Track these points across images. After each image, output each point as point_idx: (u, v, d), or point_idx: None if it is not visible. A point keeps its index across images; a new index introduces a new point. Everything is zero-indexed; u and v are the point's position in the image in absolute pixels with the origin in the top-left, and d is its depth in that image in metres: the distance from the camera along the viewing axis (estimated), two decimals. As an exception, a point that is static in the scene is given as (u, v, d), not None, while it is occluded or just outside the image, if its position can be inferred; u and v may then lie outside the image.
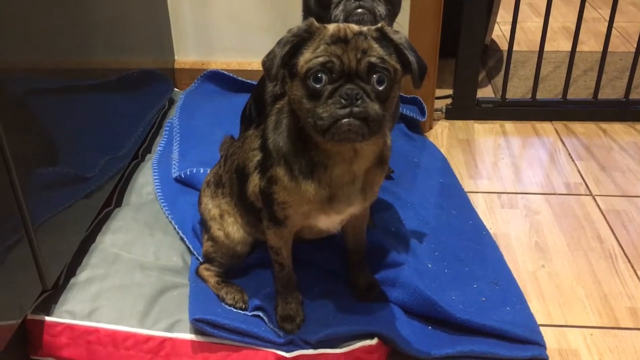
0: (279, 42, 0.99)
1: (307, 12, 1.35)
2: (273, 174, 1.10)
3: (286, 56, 0.98)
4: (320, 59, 0.95)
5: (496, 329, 1.26)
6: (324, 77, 0.96)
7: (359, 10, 1.23)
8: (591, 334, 1.34)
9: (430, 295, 1.29)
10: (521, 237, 1.64)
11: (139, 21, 1.91)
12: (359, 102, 0.95)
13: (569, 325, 1.37)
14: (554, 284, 1.48)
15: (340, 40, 0.96)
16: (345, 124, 0.95)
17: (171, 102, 2.17)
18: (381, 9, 1.24)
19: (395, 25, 1.31)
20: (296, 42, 0.98)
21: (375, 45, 0.97)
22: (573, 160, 2.00)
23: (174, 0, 2.19)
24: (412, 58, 0.99)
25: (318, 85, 0.96)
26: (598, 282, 1.48)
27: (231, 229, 1.31)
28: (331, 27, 0.99)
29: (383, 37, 0.99)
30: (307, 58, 0.97)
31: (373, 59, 0.96)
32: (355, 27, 0.99)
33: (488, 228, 1.61)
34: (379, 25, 1.00)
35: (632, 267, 1.53)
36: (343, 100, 0.94)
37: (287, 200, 1.10)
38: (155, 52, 2.09)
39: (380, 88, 0.96)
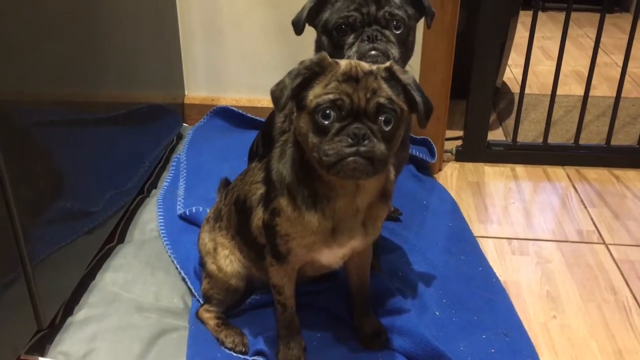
0: (289, 73, 0.99)
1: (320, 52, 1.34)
2: (276, 205, 1.09)
3: (296, 88, 0.98)
4: (331, 96, 0.96)
5: (506, 383, 1.21)
6: (332, 113, 0.96)
7: (373, 52, 1.22)
8: (605, 392, 1.29)
9: (438, 345, 1.25)
10: (532, 285, 1.59)
11: (151, 55, 1.92)
12: (366, 141, 0.95)
13: (581, 381, 1.32)
14: (566, 337, 1.43)
15: (351, 78, 0.97)
16: (351, 162, 0.95)
17: (179, 137, 2.17)
18: (395, 52, 1.23)
19: (407, 68, 1.30)
20: (307, 75, 0.99)
21: (385, 86, 0.98)
22: (585, 207, 1.96)
23: (186, 35, 2.21)
24: (418, 98, 1.00)
25: (326, 122, 0.96)
26: (612, 335, 1.43)
27: (223, 262, 1.29)
28: (343, 64, 0.99)
29: (392, 77, 1.00)
30: (317, 93, 0.97)
31: (382, 100, 0.97)
32: (365, 66, 0.99)
33: (498, 275, 1.57)
34: (388, 64, 1.01)
35: (648, 320, 1.48)
36: (350, 139, 0.95)
37: (290, 232, 1.09)
38: (165, 87, 2.09)
39: (387, 128, 0.97)
